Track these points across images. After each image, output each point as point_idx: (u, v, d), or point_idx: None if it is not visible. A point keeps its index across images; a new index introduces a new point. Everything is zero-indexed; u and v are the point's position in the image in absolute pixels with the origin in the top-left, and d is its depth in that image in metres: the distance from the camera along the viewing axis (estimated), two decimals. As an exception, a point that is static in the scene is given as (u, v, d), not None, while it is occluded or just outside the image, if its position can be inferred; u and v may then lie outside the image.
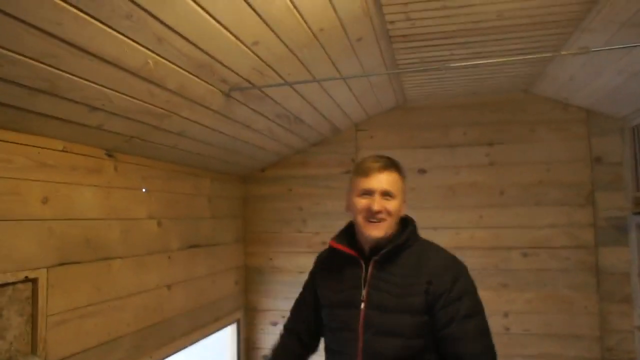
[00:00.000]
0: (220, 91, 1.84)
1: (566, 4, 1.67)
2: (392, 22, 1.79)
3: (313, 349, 1.78)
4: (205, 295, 2.60)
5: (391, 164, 1.54)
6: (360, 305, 1.51)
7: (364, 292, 1.52)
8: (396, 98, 2.83)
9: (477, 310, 1.49)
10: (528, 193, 2.80)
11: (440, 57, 2.12)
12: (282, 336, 1.79)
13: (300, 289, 3.06)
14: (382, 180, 1.51)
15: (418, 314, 1.47)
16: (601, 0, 1.61)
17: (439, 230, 2.89)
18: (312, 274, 1.77)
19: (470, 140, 2.90)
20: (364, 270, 1.55)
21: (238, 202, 3.09)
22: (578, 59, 2.11)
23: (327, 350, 1.65)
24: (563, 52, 1.86)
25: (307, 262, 3.02)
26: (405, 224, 1.59)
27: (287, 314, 3.00)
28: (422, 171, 2.95)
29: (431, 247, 1.58)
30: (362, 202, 1.52)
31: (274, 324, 3.07)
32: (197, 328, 2.49)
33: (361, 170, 1.56)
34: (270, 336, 3.06)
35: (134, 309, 2.02)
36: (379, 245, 1.53)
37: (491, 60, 1.89)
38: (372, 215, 1.51)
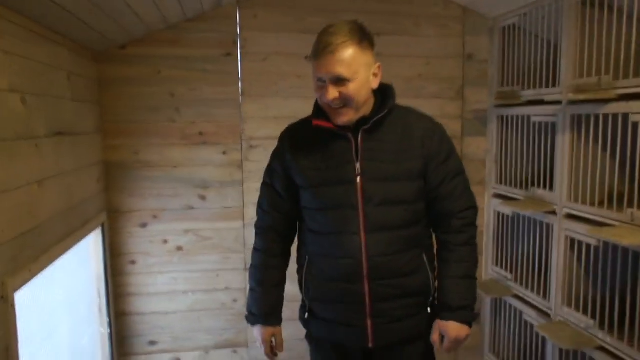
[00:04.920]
0: None
1: None
2: None
3: (292, 240, 1.62)
4: (74, 195, 2.12)
5: (345, 39, 1.36)
6: (355, 179, 1.43)
7: (357, 165, 1.44)
8: (290, -28, 2.55)
9: (462, 168, 1.60)
10: (409, 85, 2.89)
11: None
12: (263, 240, 1.63)
13: (176, 185, 2.74)
14: (331, 64, 1.36)
15: (417, 178, 1.48)
16: None
17: (324, 121, 2.83)
18: (282, 157, 1.57)
19: (359, 29, 2.81)
20: (353, 143, 1.46)
21: (93, 84, 2.51)
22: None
23: (313, 234, 1.52)
24: None
25: (181, 156, 2.70)
26: (384, 90, 1.53)
27: (161, 214, 2.68)
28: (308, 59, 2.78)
29: (410, 111, 1.57)
30: (318, 89, 1.43)
31: (143, 225, 2.71)
32: (69, 233, 2.03)
33: (314, 49, 1.41)
34: (138, 239, 2.70)
35: (6, 212, 1.51)
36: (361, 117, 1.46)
37: None
38: (329, 104, 1.42)
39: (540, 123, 2.51)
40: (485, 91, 2.96)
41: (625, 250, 2.01)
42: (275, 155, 1.61)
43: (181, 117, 2.68)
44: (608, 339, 2.06)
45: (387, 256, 1.46)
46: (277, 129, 2.87)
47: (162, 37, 2.61)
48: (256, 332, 1.64)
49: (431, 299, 1.60)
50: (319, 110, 1.51)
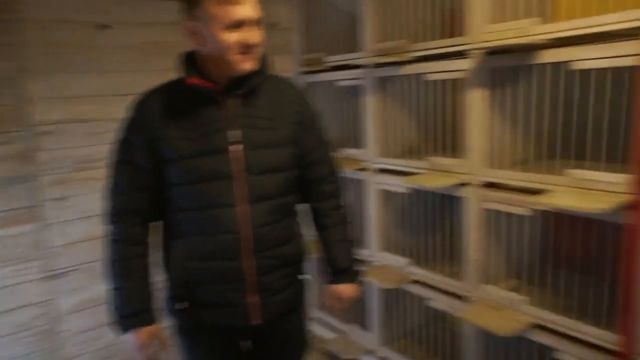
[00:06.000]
0: None
1: None
2: None
3: (152, 224, 1.45)
4: None
5: None
6: (228, 147, 1.36)
7: (232, 133, 1.36)
8: None
9: (327, 134, 1.64)
10: (217, 55, 2.79)
11: None
12: (123, 227, 1.44)
13: None
14: (253, 3, 1.33)
15: (293, 144, 1.47)
16: None
17: (129, 97, 2.54)
18: (143, 127, 1.39)
19: (157, -6, 2.59)
20: (225, 109, 1.37)
21: None
22: None
23: (183, 212, 1.40)
24: None
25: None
26: None
27: None
28: (104, 27, 2.46)
29: (279, 77, 1.55)
30: (233, 36, 1.30)
31: None
32: None
33: None
34: None
35: None
36: (235, 79, 1.38)
37: None
38: (249, 49, 1.33)
39: (346, 87, 2.70)
40: (290, 58, 3.04)
41: (432, 194, 2.32)
42: (133, 126, 1.40)
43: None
44: (422, 272, 2.38)
45: (269, 226, 1.43)
46: (73, 110, 2.52)
47: None
48: (133, 338, 1.42)
49: (303, 264, 1.63)
50: (191, 69, 1.36)
